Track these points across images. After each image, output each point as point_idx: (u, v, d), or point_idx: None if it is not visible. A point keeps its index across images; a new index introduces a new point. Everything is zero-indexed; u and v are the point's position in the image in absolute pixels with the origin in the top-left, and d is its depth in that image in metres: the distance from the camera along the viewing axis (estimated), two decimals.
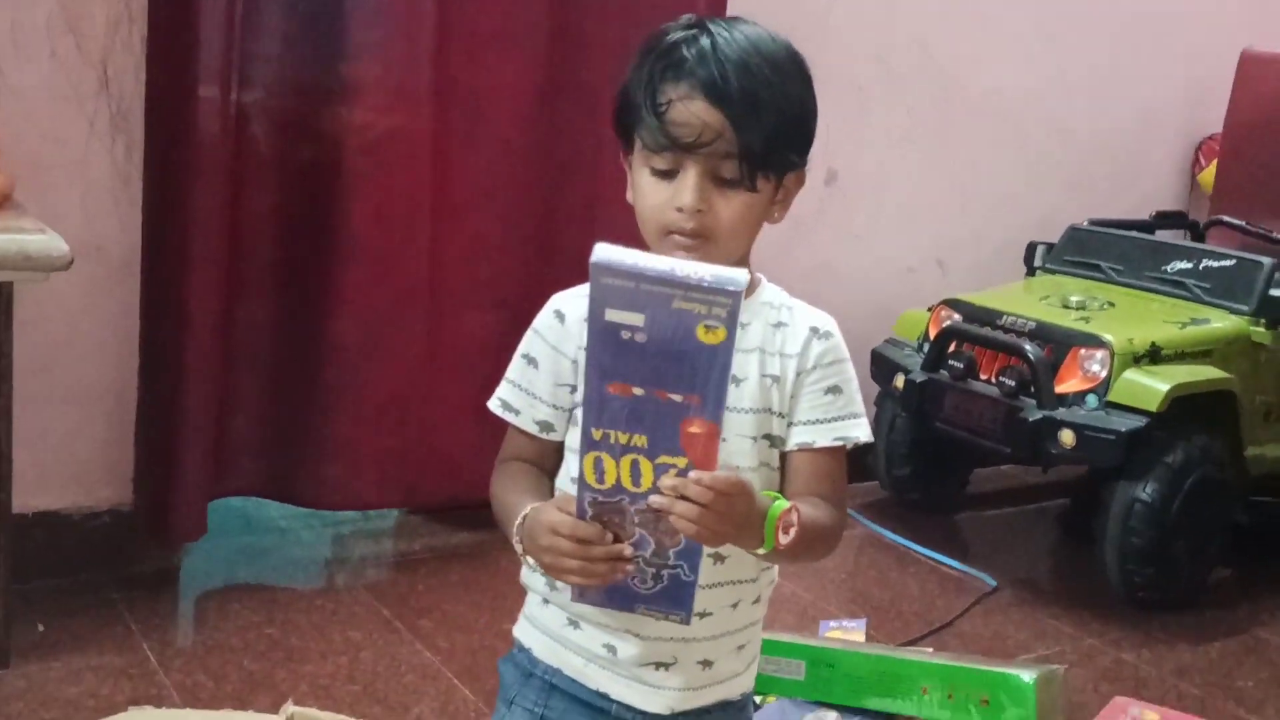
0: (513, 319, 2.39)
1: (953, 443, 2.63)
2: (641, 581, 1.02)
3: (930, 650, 1.79)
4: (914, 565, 2.53)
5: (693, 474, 0.97)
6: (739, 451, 1.15)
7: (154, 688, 1.73)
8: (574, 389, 1.17)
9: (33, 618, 1.86)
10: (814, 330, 1.17)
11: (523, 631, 1.24)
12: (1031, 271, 2.97)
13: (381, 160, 2.19)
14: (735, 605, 1.17)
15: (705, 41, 1.09)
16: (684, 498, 0.96)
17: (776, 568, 1.22)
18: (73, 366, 2.03)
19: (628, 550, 1.01)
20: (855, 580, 2.45)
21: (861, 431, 1.18)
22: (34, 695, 1.69)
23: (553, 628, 1.20)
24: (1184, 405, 2.35)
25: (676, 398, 0.95)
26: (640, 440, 0.96)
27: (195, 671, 1.79)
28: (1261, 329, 2.52)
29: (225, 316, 2.11)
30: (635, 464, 0.97)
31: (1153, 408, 2.29)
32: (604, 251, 0.92)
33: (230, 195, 2.06)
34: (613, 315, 0.93)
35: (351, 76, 2.17)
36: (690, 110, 1.07)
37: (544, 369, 1.17)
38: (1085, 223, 2.95)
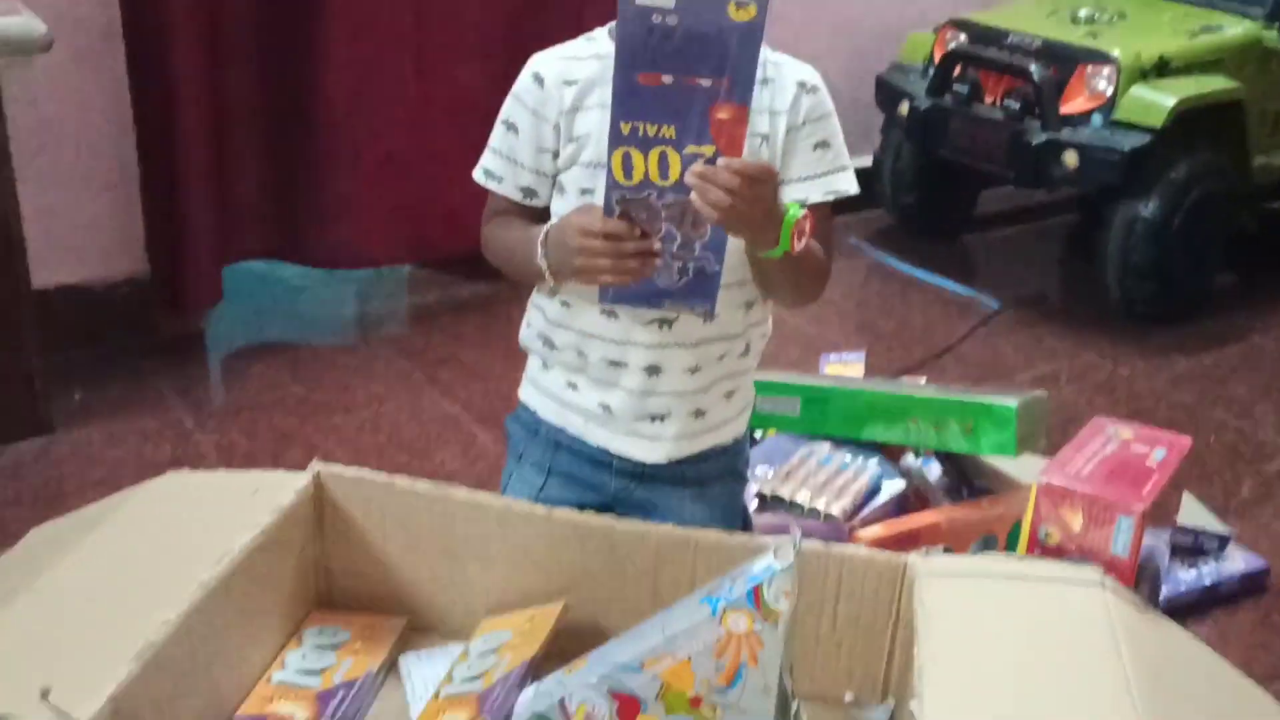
0: (502, 70, 2.33)
1: (958, 168, 2.62)
2: (668, 276, 1.07)
3: (923, 381, 1.86)
4: (918, 292, 2.58)
5: (721, 160, 1.00)
6: None
7: (191, 447, 1.84)
8: (556, 154, 1.18)
9: (69, 387, 1.95)
10: (801, 85, 1.18)
11: (526, 393, 1.31)
12: None
13: None
14: (722, 358, 1.22)
15: None
16: (713, 185, 1.00)
17: (769, 320, 1.27)
18: (70, 144, 2.04)
19: (656, 244, 1.05)
20: (860, 310, 2.51)
21: (850, 184, 1.21)
22: (80, 457, 1.80)
23: (553, 390, 1.26)
24: (1191, 118, 2.33)
25: (705, 82, 0.96)
26: (669, 131, 0.98)
27: (229, 430, 1.89)
28: (1274, 34, 2.45)
29: (214, 81, 2.09)
30: (663, 156, 1.00)
31: (1157, 124, 2.27)
32: None
33: None
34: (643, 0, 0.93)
35: None
36: None
37: (525, 134, 1.18)
38: None
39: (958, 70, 2.52)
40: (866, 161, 2.86)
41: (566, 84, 1.16)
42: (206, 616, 1.09)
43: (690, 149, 0.99)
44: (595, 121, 1.15)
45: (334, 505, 1.32)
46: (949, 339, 2.35)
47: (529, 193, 1.20)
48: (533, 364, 1.31)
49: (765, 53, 1.18)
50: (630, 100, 0.97)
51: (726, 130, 0.98)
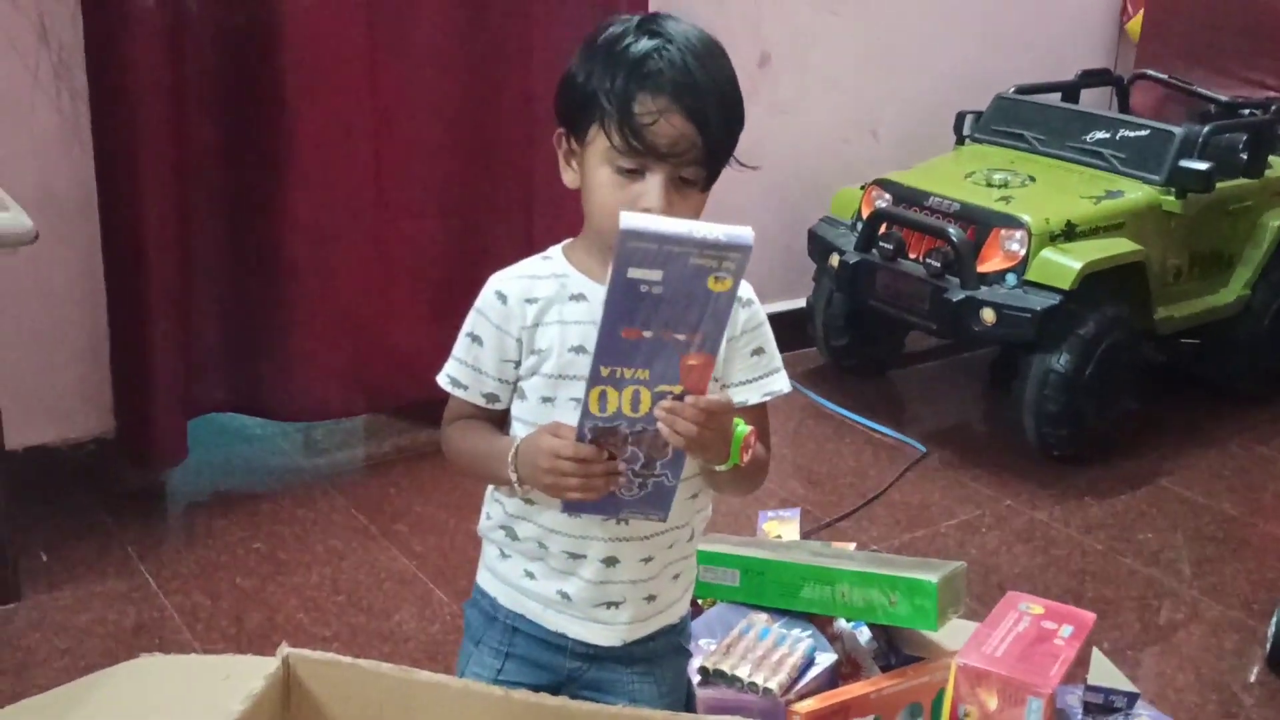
0: (459, 225, 2.50)
1: (887, 315, 2.78)
2: (629, 490, 1.19)
3: (853, 547, 1.99)
4: (850, 434, 2.72)
5: (689, 398, 1.12)
6: None
7: (156, 610, 1.90)
8: (518, 364, 1.30)
9: (34, 548, 2.01)
10: (738, 300, 1.31)
11: (485, 580, 1.40)
12: (961, 140, 3.07)
13: (318, 81, 2.24)
14: (671, 546, 1.34)
15: (674, 53, 1.16)
16: (681, 418, 1.12)
17: (710, 507, 1.39)
18: (41, 309, 2.13)
19: (622, 465, 1.17)
20: (796, 453, 2.64)
21: (783, 383, 1.34)
22: (47, 626, 1.85)
23: (511, 578, 1.36)
24: (1097, 277, 2.51)
25: (680, 336, 1.10)
26: (643, 374, 1.11)
27: (192, 592, 1.96)
28: (1171, 198, 2.65)
29: (182, 247, 2.20)
30: (636, 393, 1.12)
31: (1066, 285, 2.45)
32: (630, 219, 1.05)
33: (176, 130, 2.12)
34: (634, 273, 1.06)
35: (284, 3, 2.20)
36: (671, 124, 1.16)
37: (489, 347, 1.29)
38: (1011, 90, 3.03)
39: (883, 228, 2.70)
40: (800, 304, 3.02)
41: (528, 301, 1.28)
42: None
43: (661, 388, 1.12)
44: (555, 336, 1.27)
45: (301, 688, 1.40)
46: (880, 484, 2.49)
47: (491, 398, 1.31)
48: (490, 552, 1.41)
49: None
50: (612, 350, 1.10)
51: (695, 374, 1.12)
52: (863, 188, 2.85)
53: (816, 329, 2.99)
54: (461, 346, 1.31)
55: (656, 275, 1.06)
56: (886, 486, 2.48)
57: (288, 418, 2.44)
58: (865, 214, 2.76)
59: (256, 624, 1.88)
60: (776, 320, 3.27)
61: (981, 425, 2.96)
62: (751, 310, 1.32)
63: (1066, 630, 1.45)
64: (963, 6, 3.26)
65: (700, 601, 1.70)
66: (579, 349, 1.26)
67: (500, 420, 1.34)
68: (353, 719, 1.39)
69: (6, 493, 1.89)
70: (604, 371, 1.12)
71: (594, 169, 1.22)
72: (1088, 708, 1.70)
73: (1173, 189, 2.65)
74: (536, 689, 1.36)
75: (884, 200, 2.76)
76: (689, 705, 1.44)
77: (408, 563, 2.07)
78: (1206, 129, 2.69)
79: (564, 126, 1.24)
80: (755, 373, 1.32)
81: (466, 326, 1.31)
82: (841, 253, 2.75)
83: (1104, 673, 1.79)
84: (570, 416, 1.24)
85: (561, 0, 2.45)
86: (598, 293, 1.27)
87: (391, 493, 2.32)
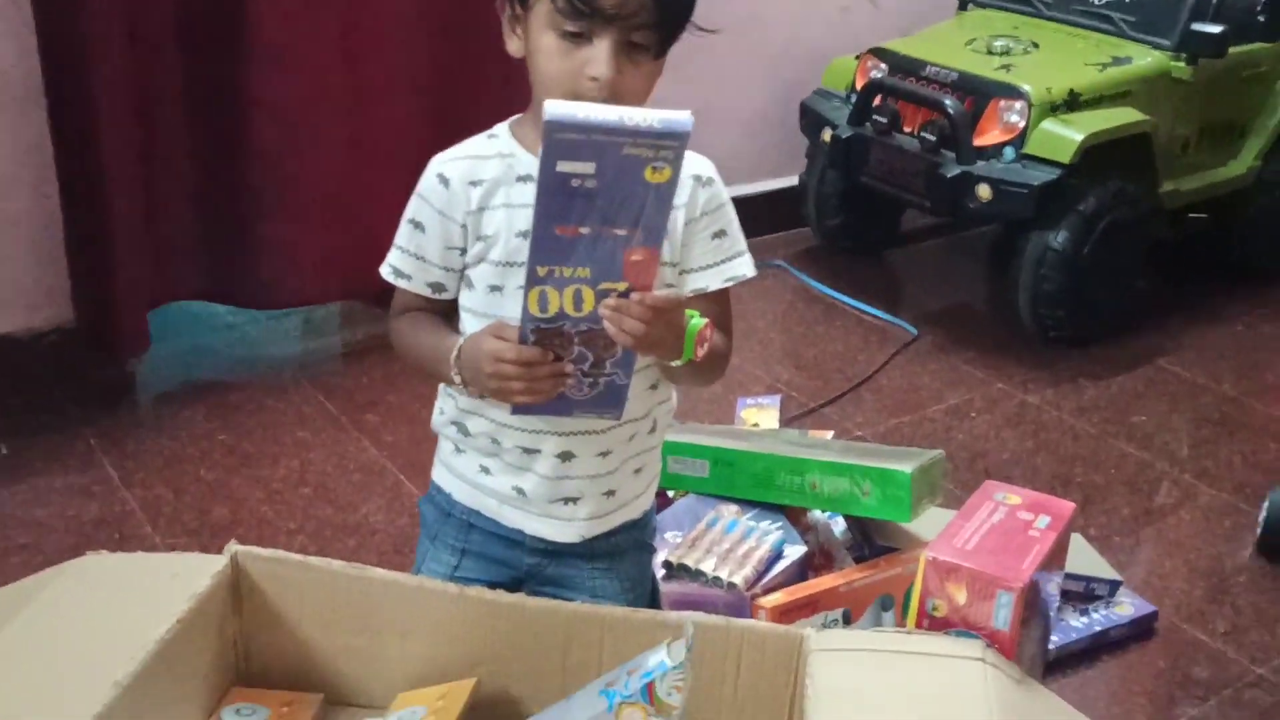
0: (433, 104, 2.38)
1: (881, 193, 2.68)
2: (578, 390, 1.13)
3: (830, 435, 1.92)
4: (840, 317, 2.64)
5: (635, 295, 1.05)
6: None
7: (117, 504, 1.86)
8: (463, 251, 1.22)
9: None
10: (697, 179, 1.23)
11: (440, 476, 1.35)
12: (964, 5, 2.92)
13: None
14: (631, 438, 1.28)
15: None
16: (627, 316, 1.05)
17: (674, 397, 1.33)
18: None
19: (568, 367, 1.10)
20: (783, 336, 2.57)
21: (748, 268, 1.26)
22: (5, 520, 1.81)
23: (467, 474, 1.31)
24: (1100, 150, 2.39)
25: (621, 232, 1.01)
26: (584, 272, 1.04)
27: (155, 485, 1.91)
28: (1181, 64, 2.52)
29: (139, 128, 2.09)
30: (578, 292, 1.05)
31: (1065, 159, 2.34)
32: (555, 108, 0.96)
33: (126, 5, 2.00)
34: (564, 166, 0.98)
35: None
36: None
37: (431, 234, 1.21)
38: None
39: (878, 100, 2.57)
40: (793, 182, 2.91)
41: (472, 184, 1.20)
42: (125, 714, 1.12)
43: (604, 285, 1.04)
44: (501, 220, 1.19)
45: (252, 585, 1.36)
46: (868, 367, 2.42)
47: (437, 288, 1.24)
48: (444, 448, 1.35)
49: None
50: (548, 248, 1.02)
51: (638, 269, 1.04)
52: (857, 58, 2.71)
53: (809, 208, 2.88)
54: (403, 234, 1.24)
55: (589, 168, 0.98)
56: (874, 371, 2.41)
57: (259, 305, 2.36)
58: (859, 85, 2.63)
59: (219, 518, 1.84)
60: (769, 199, 3.21)
61: (978, 307, 2.87)
62: (712, 190, 1.24)
63: (1043, 521, 1.39)
64: None
65: (670, 493, 1.65)
66: (528, 234, 1.18)
67: (449, 311, 1.27)
68: (305, 618, 1.36)
69: None
70: (541, 271, 1.04)
71: (537, 34, 1.13)
72: (1067, 596, 1.66)
73: (1183, 54, 2.52)
74: (494, 585, 1.33)
75: (879, 71, 2.63)
76: (653, 601, 1.40)
77: (377, 454, 2.02)
78: None
79: None
80: (716, 257, 1.24)
81: (408, 213, 1.23)
82: (834, 127, 2.63)
83: (1088, 560, 1.74)
84: (519, 307, 1.17)
85: None
86: None
87: (364, 382, 2.26)
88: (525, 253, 1.18)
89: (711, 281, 1.24)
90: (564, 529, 1.29)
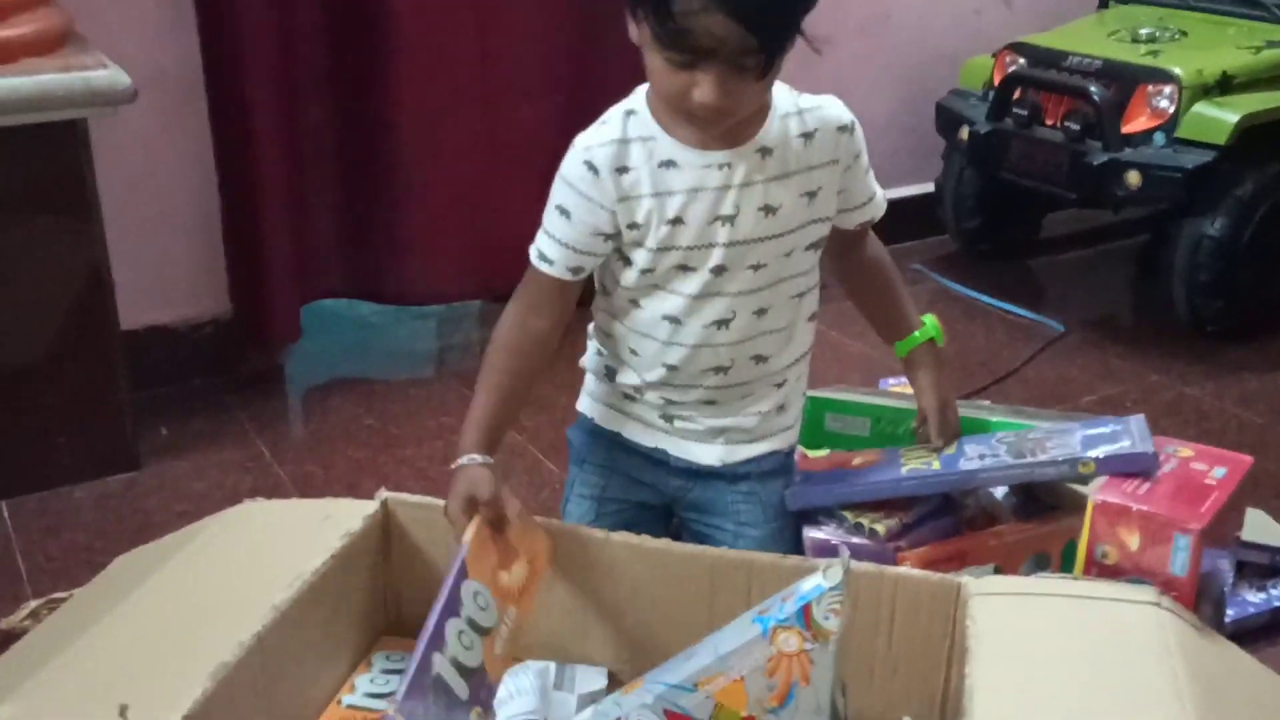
0: (566, 104, 2.42)
1: (1021, 191, 2.62)
2: None
3: (988, 404, 1.86)
4: (982, 316, 2.57)
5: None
6: (787, 265, 1.23)
7: (270, 479, 1.91)
8: (608, 237, 1.21)
9: (156, 423, 2.04)
10: (842, 129, 1.23)
11: (585, 405, 1.37)
12: (1104, 3, 2.85)
13: None
14: (780, 385, 1.28)
15: None
16: None
17: (815, 322, 1.32)
18: (156, 191, 2.14)
19: None
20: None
21: (878, 208, 1.33)
22: (166, 491, 1.88)
23: (612, 400, 1.32)
24: (1257, 133, 2.30)
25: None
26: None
27: (306, 462, 1.96)
28: None
29: (290, 125, 2.18)
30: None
31: (1221, 140, 2.25)
32: None
33: (280, 6, 2.09)
34: None
35: None
36: (714, 22, 1.04)
37: (578, 220, 1.20)
38: None
39: (1017, 94, 2.52)
40: (928, 188, 2.86)
41: (618, 171, 1.19)
42: (279, 639, 1.14)
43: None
44: (651, 207, 1.19)
45: (401, 531, 1.38)
46: (1013, 362, 2.34)
47: (577, 270, 1.24)
48: (590, 381, 1.37)
49: (792, 100, 1.22)
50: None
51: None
52: (994, 55, 2.67)
53: (947, 211, 2.83)
54: (550, 220, 1.23)
55: None
56: (1022, 364, 2.33)
57: (402, 302, 2.42)
58: (997, 81, 2.59)
59: (367, 491, 1.85)
60: (902, 206, 3.17)
61: (1127, 305, 2.77)
62: (857, 133, 1.26)
63: (1219, 472, 1.31)
64: None
65: (826, 451, 1.61)
66: (677, 220, 1.18)
67: (578, 291, 1.27)
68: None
69: (127, 370, 1.91)
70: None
71: (648, 50, 1.12)
72: (1244, 568, 1.56)
73: None
74: (642, 507, 1.34)
75: (1018, 65, 2.58)
76: (795, 540, 1.37)
77: (518, 436, 2.03)
78: None
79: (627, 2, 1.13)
80: (872, 189, 1.31)
81: (554, 198, 1.22)
82: (972, 124, 2.59)
83: (1264, 531, 1.64)
84: (668, 281, 1.19)
85: None
86: (690, 159, 1.18)
87: None
88: (675, 238, 1.19)
89: (875, 213, 1.31)
90: (707, 451, 1.31)
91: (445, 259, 2.38)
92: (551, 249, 1.23)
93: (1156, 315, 2.49)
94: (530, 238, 1.27)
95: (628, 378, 1.30)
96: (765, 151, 1.20)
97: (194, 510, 1.81)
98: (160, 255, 2.17)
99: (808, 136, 1.21)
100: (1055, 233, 2.97)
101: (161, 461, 1.95)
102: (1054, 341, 2.44)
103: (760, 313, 1.24)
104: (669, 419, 1.30)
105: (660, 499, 1.33)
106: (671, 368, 1.25)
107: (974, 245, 2.85)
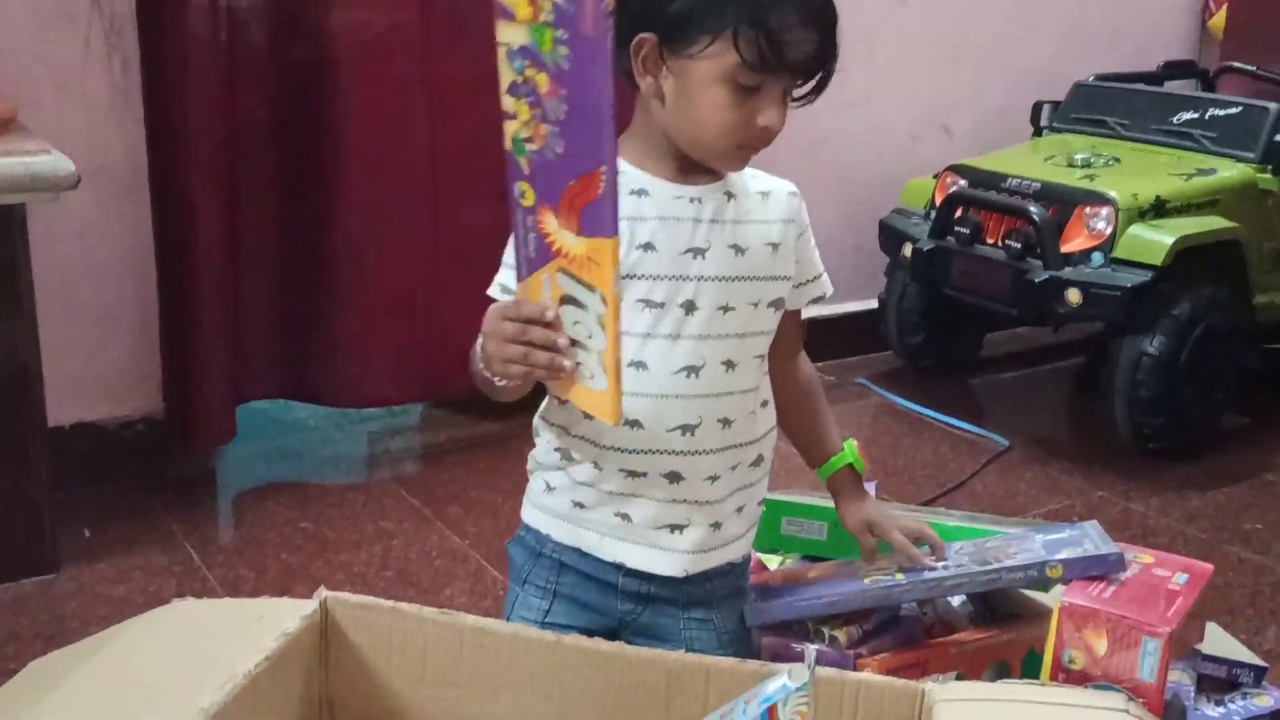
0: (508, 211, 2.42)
1: (963, 308, 2.66)
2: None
3: (942, 510, 1.84)
4: (927, 430, 2.58)
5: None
6: (753, 319, 1.21)
7: (198, 582, 1.82)
8: None
9: (78, 525, 1.95)
10: (792, 194, 1.26)
11: (531, 516, 1.30)
12: (1038, 132, 2.95)
13: (373, 56, 2.20)
14: (735, 468, 1.23)
15: None
16: None
17: (774, 434, 1.29)
18: (92, 283, 2.08)
19: (561, 339, 1.03)
20: (870, 446, 2.50)
21: (828, 284, 1.31)
22: (85, 596, 1.78)
23: (562, 510, 1.26)
24: (1190, 257, 2.36)
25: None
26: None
27: (236, 565, 1.87)
28: (1268, 175, 2.51)
29: (233, 223, 2.15)
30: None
31: (1158, 261, 2.31)
32: None
33: (227, 101, 2.08)
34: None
35: None
36: (804, 36, 1.10)
37: None
38: (1091, 78, 2.91)
39: (959, 212, 2.58)
40: (871, 304, 2.90)
41: None
42: None
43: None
44: (621, 231, 1.17)
45: (341, 634, 1.30)
46: (959, 476, 2.34)
47: None
48: (535, 488, 1.31)
49: (748, 169, 1.23)
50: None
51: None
52: (935, 176, 2.73)
53: (890, 327, 2.86)
54: (509, 252, 1.22)
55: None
56: (968, 476, 2.33)
57: (340, 404, 2.37)
58: (939, 200, 2.64)
59: (301, 596, 1.78)
60: (846, 322, 3.21)
61: (1068, 422, 2.80)
62: (803, 203, 1.26)
63: (1181, 578, 1.30)
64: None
65: (779, 558, 1.57)
66: (648, 246, 1.17)
67: None
68: (394, 666, 1.29)
69: (49, 467, 1.83)
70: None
71: (704, 85, 1.12)
72: (1203, 682, 1.54)
73: (1269, 165, 2.51)
74: (587, 633, 1.25)
75: (958, 185, 2.64)
76: (751, 651, 1.32)
77: (460, 542, 1.97)
78: None
79: (657, 34, 1.12)
80: (817, 269, 1.29)
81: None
82: (915, 241, 2.63)
83: (1221, 645, 1.62)
84: (634, 320, 1.16)
85: None
86: (662, 190, 1.18)
87: (445, 479, 2.23)
88: (645, 265, 1.17)
89: (814, 292, 1.28)
90: (668, 560, 1.23)
91: (385, 361, 2.34)
92: (513, 280, 1.20)
93: (1098, 432, 2.51)
94: (473, 340, 1.22)
95: (583, 453, 1.24)
96: (730, 195, 1.21)
97: (114, 615, 1.70)
98: (93, 349, 2.10)
99: (764, 194, 1.23)
100: (995, 352, 3.01)
101: (81, 564, 1.85)
102: (998, 456, 2.44)
103: (729, 365, 1.21)
104: (626, 517, 1.24)
105: (606, 625, 1.27)
106: (634, 424, 1.19)
107: (917, 361, 2.87)
